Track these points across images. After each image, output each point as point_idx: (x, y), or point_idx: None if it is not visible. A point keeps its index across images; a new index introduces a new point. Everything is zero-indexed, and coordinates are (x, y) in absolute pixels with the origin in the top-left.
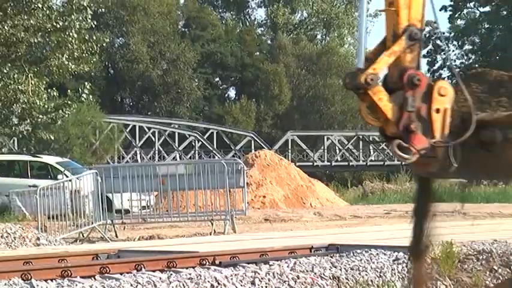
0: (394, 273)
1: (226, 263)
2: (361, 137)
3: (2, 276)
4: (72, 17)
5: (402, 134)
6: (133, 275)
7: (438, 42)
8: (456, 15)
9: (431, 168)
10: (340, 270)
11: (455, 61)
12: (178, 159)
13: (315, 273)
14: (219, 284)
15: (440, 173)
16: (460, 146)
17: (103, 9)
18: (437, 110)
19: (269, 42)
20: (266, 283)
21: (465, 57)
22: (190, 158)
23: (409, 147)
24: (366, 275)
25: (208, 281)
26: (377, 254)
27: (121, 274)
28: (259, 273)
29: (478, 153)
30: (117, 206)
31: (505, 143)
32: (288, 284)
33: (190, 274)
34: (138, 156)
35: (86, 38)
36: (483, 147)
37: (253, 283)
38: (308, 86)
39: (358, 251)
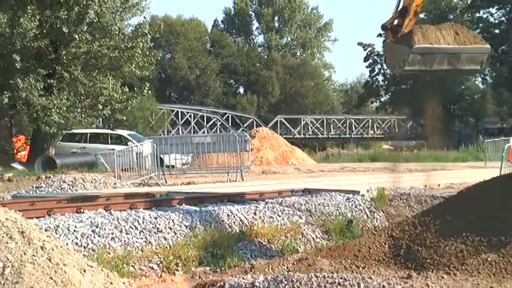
0: (347, 208)
1: (237, 200)
2: (325, 119)
3: (92, 208)
4: (138, 40)
5: None
6: (177, 208)
7: (376, 57)
8: None
9: None
10: (311, 205)
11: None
12: (206, 132)
13: (295, 207)
14: (232, 213)
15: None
16: None
17: (157, 35)
18: None
19: (266, 57)
20: (263, 213)
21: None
22: (214, 132)
23: None
24: (328, 208)
25: (225, 212)
26: (335, 195)
27: (168, 207)
28: (258, 207)
29: None
30: (167, 163)
31: None
32: (277, 214)
33: (214, 207)
34: (180, 131)
35: (147, 53)
36: None
37: (255, 213)
38: (291, 86)
39: (323, 193)
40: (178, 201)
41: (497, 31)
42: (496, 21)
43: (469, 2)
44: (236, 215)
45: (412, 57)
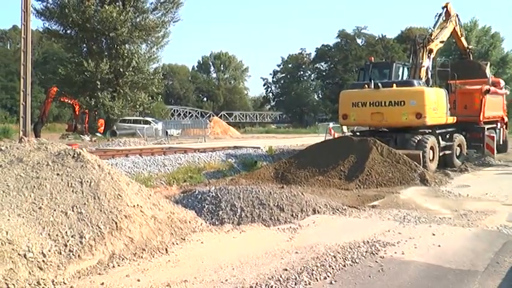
0: (254, 155)
1: (202, 150)
2: (245, 113)
3: (133, 154)
4: (156, 75)
5: None
6: (173, 155)
7: (268, 84)
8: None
9: None
10: (238, 153)
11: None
12: (188, 119)
13: (230, 154)
14: (200, 157)
15: None
16: None
17: (165, 72)
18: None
19: (217, 83)
20: (215, 157)
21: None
22: (192, 119)
23: None
24: (245, 155)
25: (196, 156)
26: (249, 148)
27: (170, 154)
28: (212, 154)
29: None
30: (170, 133)
31: None
32: (221, 158)
33: (192, 154)
34: (175, 118)
35: (160, 81)
36: None
37: (210, 157)
38: (229, 98)
39: (244, 148)
40: (174, 151)
41: (324, 73)
42: (324, 68)
43: (311, 59)
44: (202, 158)
45: None
